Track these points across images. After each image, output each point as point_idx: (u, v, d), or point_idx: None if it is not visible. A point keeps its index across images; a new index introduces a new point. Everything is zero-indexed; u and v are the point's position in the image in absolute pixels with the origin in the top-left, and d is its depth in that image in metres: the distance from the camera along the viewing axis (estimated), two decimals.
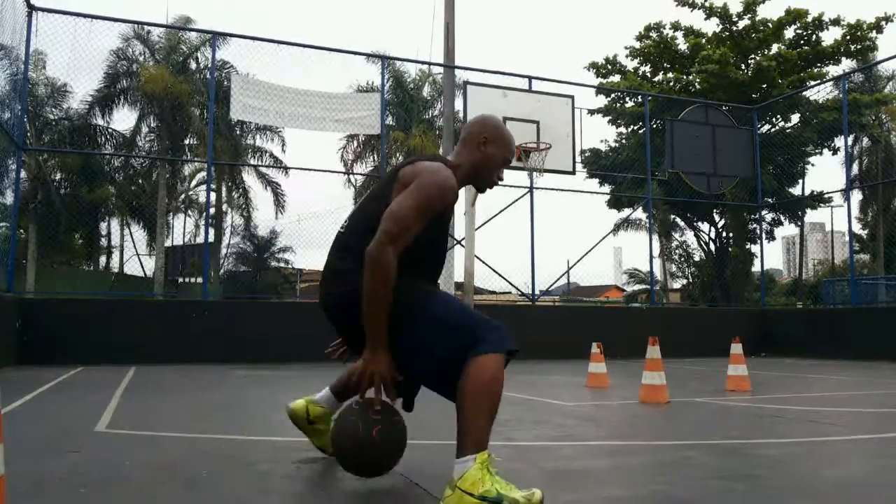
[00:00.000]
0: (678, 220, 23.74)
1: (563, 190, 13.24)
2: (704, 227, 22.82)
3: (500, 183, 2.60)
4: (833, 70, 19.71)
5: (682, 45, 20.21)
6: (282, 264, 31.51)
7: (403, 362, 2.26)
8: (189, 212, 31.04)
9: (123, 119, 31.36)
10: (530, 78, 12.41)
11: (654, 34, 20.27)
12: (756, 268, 21.73)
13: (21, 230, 20.25)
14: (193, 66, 23.63)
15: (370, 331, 2.16)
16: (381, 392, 2.24)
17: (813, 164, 21.57)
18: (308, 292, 34.52)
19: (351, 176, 23.72)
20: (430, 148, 23.15)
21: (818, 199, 21.25)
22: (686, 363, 10.33)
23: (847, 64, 20.28)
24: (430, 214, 2.20)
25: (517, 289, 13.02)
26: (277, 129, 24.70)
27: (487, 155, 2.43)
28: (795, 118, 20.33)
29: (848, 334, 11.96)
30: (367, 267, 2.11)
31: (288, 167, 23.70)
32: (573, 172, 11.68)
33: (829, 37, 19.49)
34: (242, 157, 25.15)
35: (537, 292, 12.58)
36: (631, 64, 21.15)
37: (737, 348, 6.41)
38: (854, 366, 10.09)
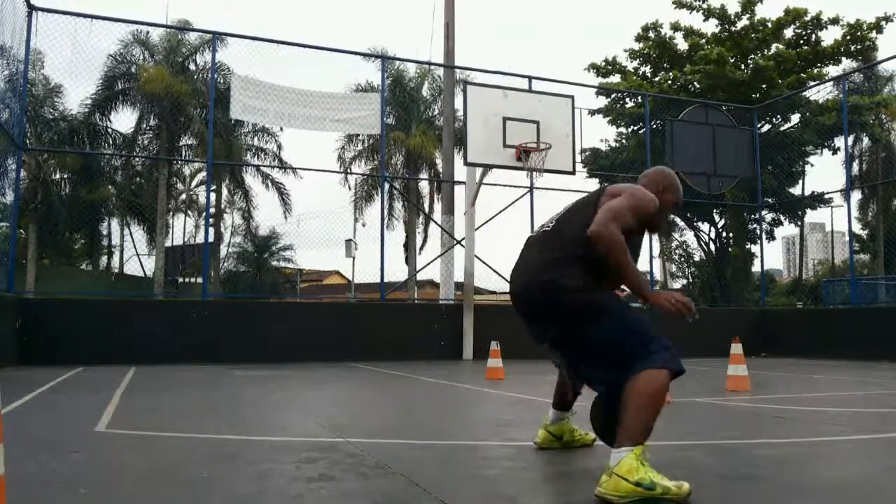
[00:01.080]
0: (678, 220, 23.74)
1: (563, 190, 13.23)
2: (704, 227, 22.83)
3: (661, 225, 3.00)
4: (833, 70, 19.72)
5: (682, 45, 20.22)
6: (282, 264, 31.53)
7: (582, 349, 2.58)
8: (189, 212, 31.06)
9: (123, 119, 31.36)
10: (530, 78, 12.41)
11: (652, 34, 20.27)
12: (756, 268, 21.74)
13: (21, 230, 20.25)
14: (192, 66, 23.63)
15: (637, 284, 2.52)
16: (683, 305, 2.51)
17: (812, 164, 21.58)
18: (308, 292, 34.53)
19: (349, 176, 23.72)
20: (429, 148, 23.14)
21: (818, 199, 21.25)
22: (686, 363, 10.30)
23: (847, 64, 20.29)
24: (638, 215, 2.59)
25: None
26: (274, 132, 24.74)
27: (664, 200, 2.82)
28: (795, 118, 20.33)
29: (848, 334, 11.96)
30: (601, 242, 2.45)
31: (288, 167, 23.73)
32: (573, 172, 11.67)
33: (829, 37, 19.50)
34: (240, 157, 25.14)
35: None
36: (631, 64, 21.15)
37: (737, 348, 6.41)
38: (854, 366, 10.09)
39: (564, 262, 2.59)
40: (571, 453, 3.20)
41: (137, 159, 24.94)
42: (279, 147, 25.66)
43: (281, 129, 23.48)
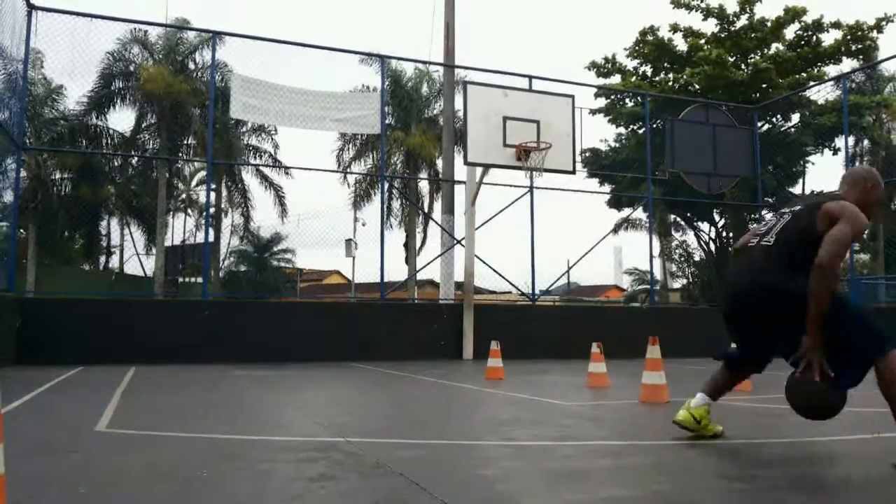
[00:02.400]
0: (678, 219, 23.72)
1: (563, 190, 13.24)
2: (704, 226, 22.81)
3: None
4: (833, 70, 19.70)
5: (681, 46, 20.19)
6: (282, 264, 31.51)
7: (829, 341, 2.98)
8: (189, 211, 31.04)
9: (123, 119, 31.35)
10: (530, 77, 12.41)
11: (650, 37, 20.25)
12: None
13: (21, 230, 20.24)
14: (192, 66, 23.60)
15: (816, 325, 2.91)
16: (818, 368, 2.97)
17: (813, 164, 21.56)
18: (308, 292, 34.52)
19: (348, 175, 23.70)
20: (429, 148, 23.12)
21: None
22: (686, 363, 10.32)
23: (848, 64, 20.26)
24: (855, 240, 3.22)
25: (517, 289, 13.02)
26: (270, 130, 24.71)
27: (874, 195, 3.26)
28: (796, 118, 20.31)
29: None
30: (821, 274, 2.89)
31: (288, 167, 23.70)
32: (573, 172, 11.66)
33: (830, 37, 19.46)
34: (239, 156, 25.12)
35: (537, 292, 12.58)
36: (631, 64, 21.13)
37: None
38: None
39: (791, 272, 3.07)
40: (572, 453, 3.20)
41: (137, 159, 24.93)
42: (276, 146, 25.67)
43: (275, 129, 23.48)
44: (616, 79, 21.33)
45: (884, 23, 18.82)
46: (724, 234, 22.53)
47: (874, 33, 18.91)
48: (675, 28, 19.96)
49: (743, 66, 19.59)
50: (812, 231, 3.05)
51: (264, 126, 23.60)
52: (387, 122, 19.22)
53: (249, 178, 26.45)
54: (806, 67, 19.44)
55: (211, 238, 22.56)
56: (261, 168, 26.03)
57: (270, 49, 11.46)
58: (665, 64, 20.66)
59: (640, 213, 20.57)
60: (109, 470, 2.72)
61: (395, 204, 24.13)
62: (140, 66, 22.30)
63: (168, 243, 27.09)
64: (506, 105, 10.95)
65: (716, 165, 14.00)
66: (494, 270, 12.37)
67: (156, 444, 3.34)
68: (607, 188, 21.77)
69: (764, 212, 18.70)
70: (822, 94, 19.58)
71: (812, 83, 18.87)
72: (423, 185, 25.56)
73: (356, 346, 10.65)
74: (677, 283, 30.44)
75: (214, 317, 10.29)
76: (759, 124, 17.25)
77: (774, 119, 20.49)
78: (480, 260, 11.86)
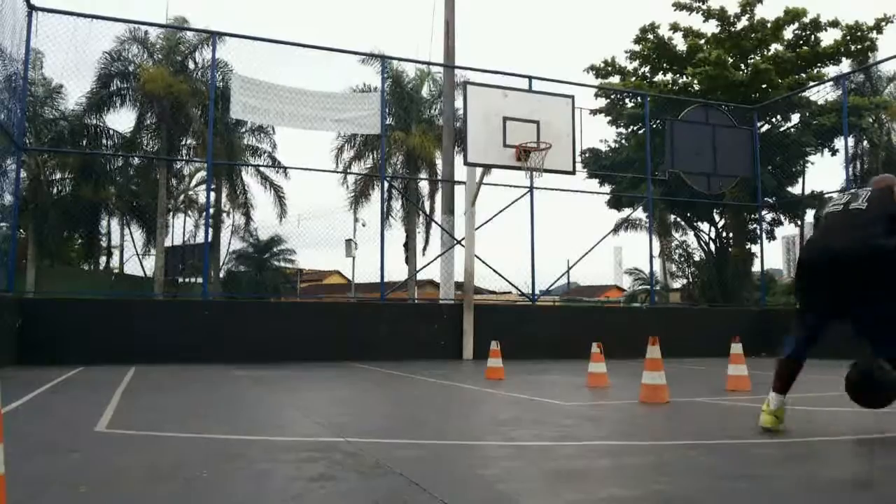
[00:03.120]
0: (678, 219, 23.71)
1: (563, 190, 13.23)
2: (704, 227, 22.80)
3: None
4: (833, 71, 19.69)
5: (681, 46, 20.18)
6: (282, 264, 31.50)
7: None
8: (189, 212, 31.03)
9: (123, 119, 31.33)
10: (530, 78, 12.40)
11: (650, 36, 20.24)
12: (756, 268, 21.71)
13: (21, 230, 20.23)
14: (192, 65, 23.59)
15: None
16: None
17: (813, 164, 21.55)
18: (308, 292, 34.50)
19: (348, 176, 23.69)
20: (429, 148, 23.11)
21: (818, 199, 21.21)
22: (686, 363, 10.32)
23: (847, 65, 20.25)
24: None
25: (517, 289, 13.02)
26: (269, 130, 24.70)
27: None
28: (796, 118, 20.31)
29: (848, 334, 11.93)
30: None
31: (288, 167, 23.69)
32: (573, 172, 11.66)
33: (829, 37, 19.46)
34: (239, 157, 25.12)
35: (537, 292, 12.58)
36: (630, 65, 21.12)
37: (737, 348, 6.40)
38: None
39: (888, 235, 3.41)
40: (572, 453, 3.20)
41: (136, 159, 24.92)
42: (273, 146, 25.66)
43: (273, 129, 23.47)
44: (616, 80, 21.34)
45: (883, 23, 18.82)
46: (723, 234, 22.52)
47: (874, 34, 18.92)
48: (675, 27, 19.96)
49: (743, 67, 19.60)
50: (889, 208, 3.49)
51: (263, 126, 23.59)
52: (387, 122, 19.21)
53: (249, 178, 26.47)
54: (805, 68, 19.45)
55: (211, 238, 22.56)
56: (260, 168, 26.04)
57: (270, 49, 11.46)
58: (665, 64, 20.67)
59: (639, 213, 20.57)
60: (109, 470, 2.72)
61: (396, 204, 24.13)
62: (140, 67, 22.30)
63: (168, 243, 27.09)
64: (506, 105, 10.95)
65: (716, 165, 13.99)
66: (494, 270, 12.38)
67: (156, 444, 3.34)
68: (607, 188, 21.77)
69: (764, 211, 18.71)
70: (821, 94, 19.59)
71: (812, 83, 18.88)
72: (424, 186, 25.57)
73: (356, 346, 10.65)
74: (677, 283, 30.44)
75: (214, 317, 10.29)
76: (759, 124, 17.25)
77: (774, 119, 20.50)
78: (480, 260, 11.86)
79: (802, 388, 6.84)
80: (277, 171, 25.16)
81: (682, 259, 26.89)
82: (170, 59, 22.93)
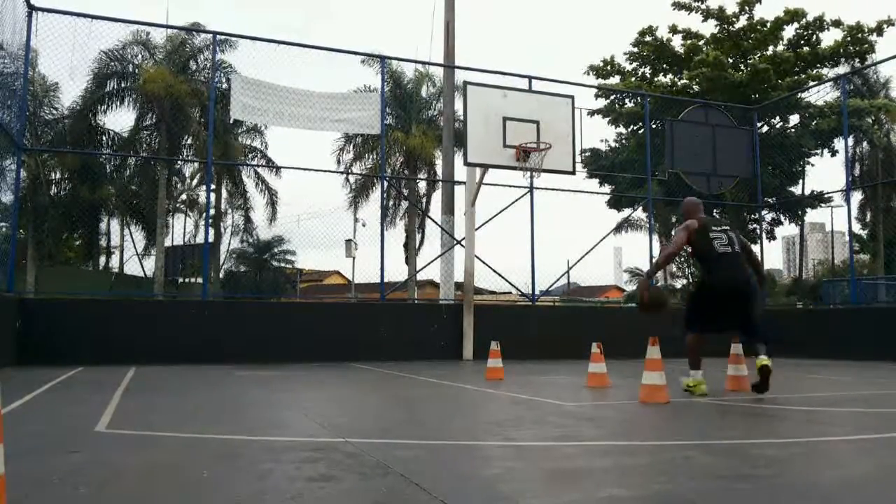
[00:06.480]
0: (678, 219, 23.71)
1: (563, 190, 13.23)
2: None
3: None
4: (832, 73, 19.68)
5: (680, 48, 20.19)
6: (282, 264, 31.52)
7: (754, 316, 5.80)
8: (189, 212, 31.05)
9: (123, 119, 31.35)
10: (530, 78, 12.40)
11: (648, 38, 20.25)
12: None
13: (21, 230, 20.23)
14: (193, 65, 23.60)
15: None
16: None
17: (813, 164, 21.57)
18: (308, 292, 34.51)
19: (349, 176, 23.71)
20: (429, 148, 23.14)
21: (818, 199, 21.22)
22: (685, 363, 10.30)
23: (845, 67, 20.26)
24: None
25: (517, 289, 13.02)
26: (262, 128, 24.74)
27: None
28: (795, 119, 20.32)
29: (848, 334, 11.94)
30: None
31: (288, 167, 23.73)
32: (573, 172, 11.66)
33: (829, 38, 19.47)
34: (238, 157, 25.14)
35: (537, 292, 12.58)
36: (630, 66, 21.14)
37: (737, 348, 6.40)
38: (854, 366, 10.08)
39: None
40: (572, 453, 3.20)
41: (136, 159, 24.93)
42: (265, 145, 25.74)
43: (265, 127, 23.50)
44: (615, 80, 21.36)
45: (885, 25, 18.82)
46: None
47: (874, 36, 18.92)
48: (673, 29, 19.97)
49: (742, 67, 19.60)
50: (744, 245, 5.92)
51: (257, 125, 23.63)
52: (387, 122, 19.21)
53: (247, 178, 26.50)
54: (805, 69, 19.46)
55: (211, 238, 22.56)
56: (257, 169, 26.05)
57: (270, 50, 11.46)
58: (664, 66, 20.68)
59: (639, 214, 20.55)
60: (109, 470, 2.72)
61: (396, 204, 24.14)
62: (140, 67, 22.31)
63: (168, 244, 27.10)
64: (506, 105, 10.95)
65: (715, 166, 14.00)
66: (494, 271, 12.37)
67: (156, 445, 3.34)
68: (607, 188, 21.78)
69: (764, 212, 18.70)
70: (820, 94, 19.59)
71: (812, 83, 18.88)
72: (424, 186, 25.59)
73: (356, 346, 10.65)
74: (677, 283, 30.41)
75: (214, 317, 10.29)
76: (759, 125, 17.25)
77: (774, 120, 20.51)
78: (480, 260, 11.86)
79: (803, 387, 6.86)
80: (272, 172, 25.20)
81: (682, 259, 26.88)
82: (172, 59, 22.93)
